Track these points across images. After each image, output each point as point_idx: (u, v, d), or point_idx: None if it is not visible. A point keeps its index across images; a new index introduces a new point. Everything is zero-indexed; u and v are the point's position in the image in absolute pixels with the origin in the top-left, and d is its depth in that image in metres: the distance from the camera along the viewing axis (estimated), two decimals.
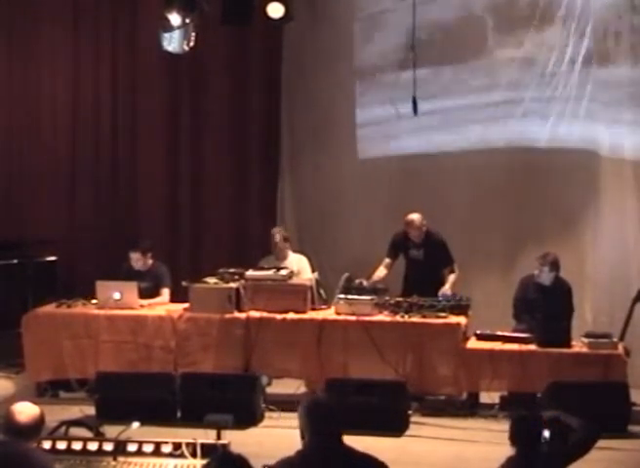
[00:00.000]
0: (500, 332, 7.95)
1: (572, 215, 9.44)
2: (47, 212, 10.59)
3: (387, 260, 8.65)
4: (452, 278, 8.47)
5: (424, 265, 8.54)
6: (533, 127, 9.60)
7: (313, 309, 8.18)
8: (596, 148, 9.33)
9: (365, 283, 8.32)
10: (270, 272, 8.35)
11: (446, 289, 8.33)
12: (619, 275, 9.11)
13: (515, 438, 4.65)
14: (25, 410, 4.26)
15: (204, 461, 4.21)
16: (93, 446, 4.73)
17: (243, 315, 8.07)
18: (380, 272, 8.55)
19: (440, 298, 8.12)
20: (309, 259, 9.02)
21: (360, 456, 4.08)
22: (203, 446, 4.67)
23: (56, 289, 9.58)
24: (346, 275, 8.32)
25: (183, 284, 8.28)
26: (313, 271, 8.82)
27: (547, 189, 9.47)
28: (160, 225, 10.50)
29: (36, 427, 4.28)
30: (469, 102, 9.76)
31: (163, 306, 8.45)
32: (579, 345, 7.75)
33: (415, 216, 8.53)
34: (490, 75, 9.67)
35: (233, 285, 8.16)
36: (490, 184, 9.58)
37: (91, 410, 7.57)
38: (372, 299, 8.06)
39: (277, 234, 8.94)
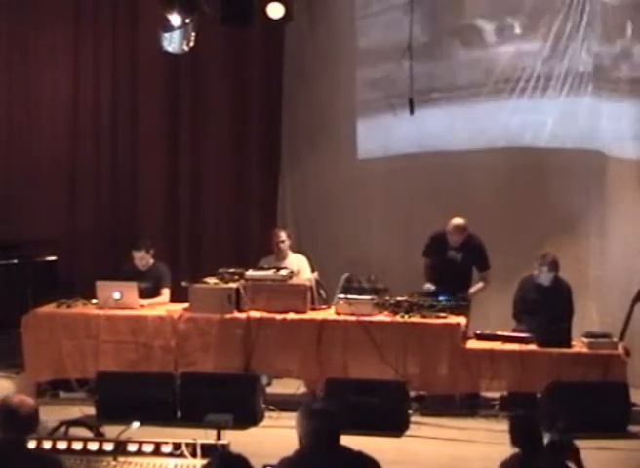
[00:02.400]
0: (500, 332, 7.96)
1: (574, 215, 9.43)
2: (47, 212, 10.59)
3: (428, 263, 8.62)
4: (479, 285, 8.49)
5: (460, 268, 8.50)
6: (534, 126, 9.60)
7: (313, 309, 8.18)
8: (598, 148, 9.33)
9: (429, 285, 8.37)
10: (270, 272, 8.35)
11: (471, 291, 8.38)
12: (622, 275, 9.11)
13: (515, 438, 4.66)
14: (25, 402, 4.24)
15: (204, 461, 4.21)
16: (93, 446, 4.73)
17: (243, 315, 8.07)
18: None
19: (439, 294, 8.15)
20: (309, 259, 9.03)
21: (354, 455, 4.10)
22: (203, 446, 4.67)
23: (56, 289, 9.57)
24: (346, 275, 8.31)
25: (183, 284, 8.27)
26: (313, 271, 8.83)
27: (549, 189, 9.47)
28: (160, 226, 10.49)
29: (36, 418, 4.26)
30: (469, 102, 9.76)
31: (163, 306, 8.45)
32: (579, 345, 7.75)
33: (460, 222, 8.44)
34: (490, 75, 9.67)
35: (233, 285, 8.16)
36: (491, 184, 9.56)
37: (91, 410, 7.58)
38: (372, 299, 8.05)
39: (282, 233, 8.97)
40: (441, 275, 8.56)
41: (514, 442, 4.66)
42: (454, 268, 8.50)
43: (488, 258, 8.53)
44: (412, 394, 7.73)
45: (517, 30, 9.61)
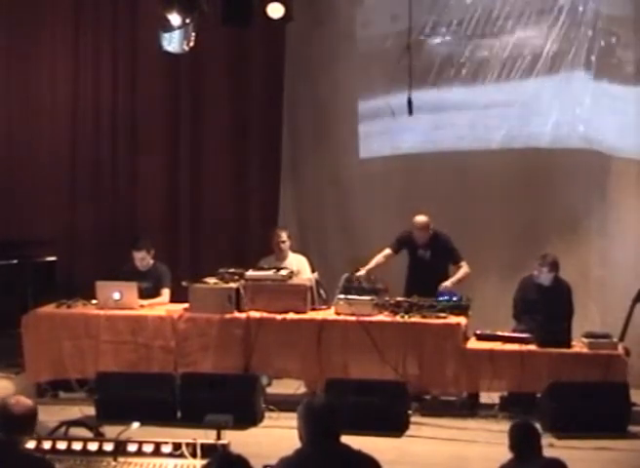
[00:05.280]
0: (500, 333, 7.95)
1: (575, 215, 9.42)
2: (47, 212, 10.59)
3: (388, 251, 8.66)
4: (459, 274, 8.47)
5: (431, 266, 8.53)
6: (535, 126, 9.59)
7: (313, 309, 8.18)
8: (600, 147, 9.32)
9: (362, 271, 8.36)
10: (270, 272, 8.35)
11: (446, 284, 8.33)
12: (623, 274, 9.11)
13: (513, 444, 4.67)
14: (20, 402, 4.23)
15: (204, 461, 4.21)
16: (93, 446, 4.72)
17: (243, 315, 8.07)
18: (379, 260, 8.56)
19: (440, 294, 8.13)
20: (309, 259, 9.03)
21: (354, 454, 4.10)
22: (203, 446, 4.67)
23: (55, 289, 9.57)
24: (346, 275, 8.32)
25: (183, 284, 8.27)
26: (313, 271, 8.82)
27: (550, 189, 9.46)
28: (160, 225, 10.49)
29: (32, 419, 4.24)
30: (471, 102, 9.76)
31: (163, 306, 8.45)
32: (579, 345, 7.75)
33: (421, 219, 8.52)
34: (491, 74, 9.67)
35: (233, 285, 8.16)
36: (492, 184, 9.57)
37: (91, 411, 7.58)
38: (372, 299, 8.05)
39: (283, 233, 8.97)
40: (413, 274, 8.61)
41: (512, 447, 4.67)
42: (424, 267, 8.55)
43: (457, 250, 8.54)
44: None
45: (519, 33, 9.61)
